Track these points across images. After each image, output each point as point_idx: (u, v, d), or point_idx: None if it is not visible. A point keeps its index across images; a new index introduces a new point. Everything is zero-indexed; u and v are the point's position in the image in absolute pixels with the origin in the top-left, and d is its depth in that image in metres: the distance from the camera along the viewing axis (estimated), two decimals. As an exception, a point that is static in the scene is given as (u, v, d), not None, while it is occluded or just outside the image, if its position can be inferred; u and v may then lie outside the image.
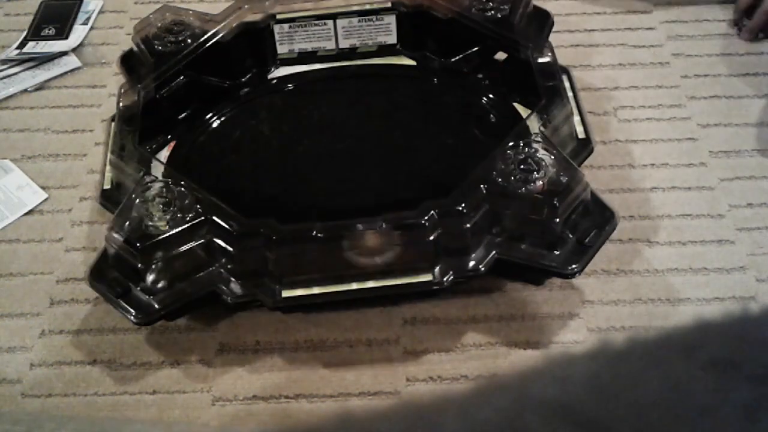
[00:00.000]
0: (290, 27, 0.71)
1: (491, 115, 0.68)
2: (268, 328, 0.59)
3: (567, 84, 0.65)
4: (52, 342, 0.59)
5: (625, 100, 0.73)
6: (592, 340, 0.58)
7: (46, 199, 0.68)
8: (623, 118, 0.71)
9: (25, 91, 0.77)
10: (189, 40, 0.67)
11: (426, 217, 0.53)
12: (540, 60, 0.63)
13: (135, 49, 0.68)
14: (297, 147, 0.67)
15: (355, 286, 0.54)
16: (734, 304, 0.59)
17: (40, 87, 0.78)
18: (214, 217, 0.54)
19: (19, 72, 0.79)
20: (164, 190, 0.55)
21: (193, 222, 0.54)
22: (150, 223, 0.54)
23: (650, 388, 0.25)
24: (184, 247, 0.53)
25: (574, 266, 0.54)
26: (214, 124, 0.69)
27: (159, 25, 0.68)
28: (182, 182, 0.56)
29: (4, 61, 0.79)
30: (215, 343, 0.58)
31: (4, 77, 0.78)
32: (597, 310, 0.59)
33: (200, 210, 0.54)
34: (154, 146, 0.66)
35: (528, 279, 0.60)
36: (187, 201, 0.55)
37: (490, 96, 0.69)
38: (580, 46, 0.78)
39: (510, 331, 0.58)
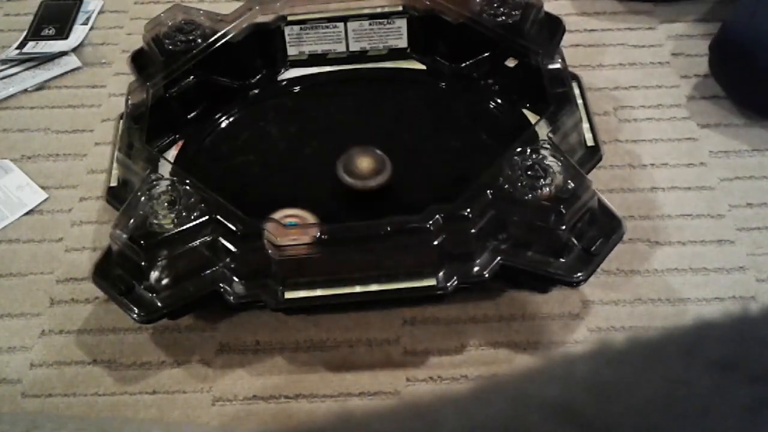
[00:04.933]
0: (301, 29, 0.71)
1: (500, 121, 0.68)
2: (268, 328, 0.59)
3: (577, 91, 0.65)
4: (52, 342, 0.59)
5: (625, 100, 0.73)
6: (592, 340, 0.58)
7: (46, 199, 0.68)
8: (623, 118, 0.71)
9: (25, 91, 0.77)
10: (199, 40, 0.67)
11: (431, 222, 0.53)
12: (550, 66, 0.63)
13: (145, 47, 0.68)
14: (305, 149, 0.67)
15: (358, 289, 0.53)
16: (734, 304, 0.59)
17: (40, 87, 0.78)
18: (219, 217, 0.54)
19: (19, 72, 0.79)
20: (170, 188, 0.55)
21: (198, 221, 0.54)
22: (155, 222, 0.53)
23: (650, 388, 0.25)
24: (189, 246, 0.53)
25: (579, 274, 0.53)
26: (223, 125, 0.69)
27: (170, 24, 0.68)
28: (188, 181, 0.56)
29: (4, 61, 0.79)
30: (215, 343, 0.58)
31: (4, 77, 0.78)
32: (597, 310, 0.59)
33: (205, 209, 0.54)
34: (162, 145, 0.66)
35: (533, 287, 0.60)
36: (192, 200, 0.54)
37: (499, 102, 0.69)
38: (580, 46, 0.78)
39: (510, 331, 0.58)
